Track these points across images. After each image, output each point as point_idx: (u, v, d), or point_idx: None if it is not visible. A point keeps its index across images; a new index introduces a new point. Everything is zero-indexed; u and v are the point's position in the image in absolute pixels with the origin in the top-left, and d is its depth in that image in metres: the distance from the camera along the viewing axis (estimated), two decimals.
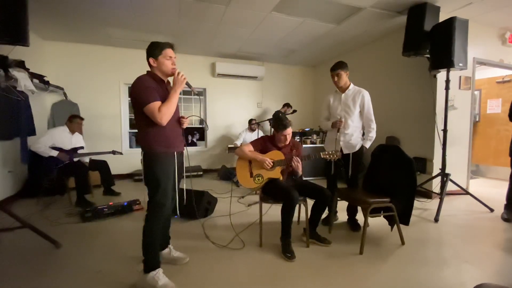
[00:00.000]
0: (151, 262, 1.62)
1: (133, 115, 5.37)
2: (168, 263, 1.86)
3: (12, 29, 2.32)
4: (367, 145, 2.54)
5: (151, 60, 1.66)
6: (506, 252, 2.13)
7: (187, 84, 1.71)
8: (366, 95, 2.51)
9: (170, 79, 1.77)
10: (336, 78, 2.53)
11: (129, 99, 5.21)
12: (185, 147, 1.85)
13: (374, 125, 2.52)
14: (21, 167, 3.66)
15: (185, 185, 1.92)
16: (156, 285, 1.55)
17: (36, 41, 4.17)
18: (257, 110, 6.11)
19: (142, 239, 1.64)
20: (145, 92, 1.56)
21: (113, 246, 2.22)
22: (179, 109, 1.81)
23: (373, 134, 2.52)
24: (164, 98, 1.62)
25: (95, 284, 1.68)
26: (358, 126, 2.57)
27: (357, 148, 2.54)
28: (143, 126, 1.64)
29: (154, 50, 1.65)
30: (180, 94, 1.72)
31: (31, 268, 1.86)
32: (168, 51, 1.66)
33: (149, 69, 1.72)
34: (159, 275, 1.59)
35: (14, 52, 2.87)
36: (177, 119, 1.79)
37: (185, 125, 1.83)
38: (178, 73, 1.65)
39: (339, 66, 2.52)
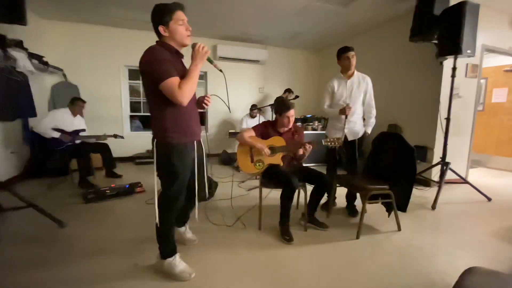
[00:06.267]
0: (166, 249, 1.60)
1: (133, 98, 5.33)
2: (180, 241, 1.88)
3: (10, 7, 2.26)
4: (369, 130, 2.58)
5: (161, 28, 1.41)
6: (500, 240, 2.17)
7: (209, 59, 1.49)
8: (370, 82, 2.54)
9: (184, 51, 1.53)
10: (353, 60, 2.46)
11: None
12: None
13: (374, 112, 2.57)
14: (24, 148, 3.69)
15: (206, 174, 1.79)
16: (173, 271, 1.56)
17: (35, 20, 4.07)
18: (259, 95, 6.04)
19: (156, 229, 1.56)
20: (160, 65, 1.32)
21: (116, 226, 2.28)
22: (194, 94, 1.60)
23: (373, 120, 2.58)
24: (181, 74, 1.40)
25: (99, 262, 1.74)
26: (360, 113, 2.59)
27: (361, 134, 2.58)
28: (157, 109, 1.42)
29: (162, 15, 1.39)
30: None
31: (36, 247, 1.92)
32: (179, 14, 1.41)
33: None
34: (176, 260, 1.58)
35: (11, 31, 2.82)
36: (195, 101, 1.61)
37: (209, 105, 1.64)
38: (199, 45, 1.42)
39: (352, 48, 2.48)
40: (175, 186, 1.49)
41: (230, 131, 5.04)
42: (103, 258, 1.79)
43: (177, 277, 1.56)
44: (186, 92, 1.35)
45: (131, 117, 5.35)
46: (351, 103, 2.49)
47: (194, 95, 1.58)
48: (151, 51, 1.38)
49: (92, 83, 4.75)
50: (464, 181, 3.33)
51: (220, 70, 1.66)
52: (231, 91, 5.74)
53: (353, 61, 2.47)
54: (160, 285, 1.53)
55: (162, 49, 1.41)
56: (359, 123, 2.57)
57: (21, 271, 1.63)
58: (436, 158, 3.51)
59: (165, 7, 1.41)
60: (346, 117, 2.49)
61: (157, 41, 1.47)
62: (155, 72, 1.33)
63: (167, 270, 1.58)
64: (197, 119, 1.61)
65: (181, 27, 1.43)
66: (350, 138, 2.54)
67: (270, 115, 4.94)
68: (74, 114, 3.48)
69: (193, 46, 1.44)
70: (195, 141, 1.58)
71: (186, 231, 1.99)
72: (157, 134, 1.46)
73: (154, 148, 1.46)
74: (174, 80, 1.34)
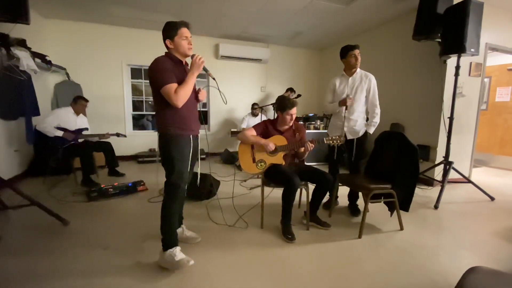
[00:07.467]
0: (168, 240, 1.67)
1: (136, 97, 5.37)
2: (180, 242, 1.88)
3: (13, 6, 2.27)
4: (371, 131, 2.53)
5: (167, 42, 1.66)
6: (503, 240, 2.16)
7: (204, 68, 1.70)
8: (373, 80, 2.48)
9: (188, 60, 1.75)
10: (359, 58, 2.45)
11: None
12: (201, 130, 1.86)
13: (378, 110, 2.51)
14: (27, 147, 3.71)
15: (199, 168, 1.92)
16: (173, 260, 1.61)
17: (37, 19, 4.09)
18: (261, 94, 6.03)
19: (160, 219, 1.68)
20: (162, 73, 1.57)
21: (119, 224, 2.29)
22: (195, 90, 1.80)
23: (377, 120, 2.52)
24: (181, 80, 1.62)
25: (103, 260, 1.75)
26: (362, 112, 2.55)
27: (361, 133, 2.53)
28: (160, 108, 1.65)
29: (169, 31, 1.64)
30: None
31: (40, 245, 1.93)
32: (184, 31, 1.65)
33: (161, 51, 1.70)
34: (176, 251, 1.64)
35: (14, 30, 2.83)
36: (194, 100, 1.79)
37: (203, 98, 1.85)
38: (196, 56, 1.65)
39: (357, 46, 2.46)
40: (175, 174, 1.65)
41: (232, 129, 5.05)
42: (106, 255, 1.80)
43: (177, 265, 1.60)
44: (180, 96, 1.59)
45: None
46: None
47: (193, 92, 1.75)
48: (157, 61, 1.62)
49: (95, 82, 4.77)
50: (467, 180, 3.32)
51: (214, 78, 1.86)
52: (233, 89, 5.75)
53: (359, 59, 2.46)
54: (162, 282, 1.53)
55: (166, 59, 1.65)
56: (360, 122, 2.53)
57: (23, 267, 1.64)
58: (439, 157, 3.50)
59: (172, 24, 1.65)
60: (346, 108, 2.47)
61: (165, 52, 1.72)
62: (157, 79, 1.58)
63: (168, 261, 1.62)
64: (195, 116, 1.79)
65: (184, 42, 1.66)
66: (349, 137, 2.52)
67: (272, 114, 4.94)
68: (77, 113, 3.49)
69: (192, 56, 1.68)
70: (191, 135, 1.74)
71: (184, 231, 2.01)
72: (159, 127, 1.68)
73: (159, 140, 1.69)
74: (172, 86, 1.57)
